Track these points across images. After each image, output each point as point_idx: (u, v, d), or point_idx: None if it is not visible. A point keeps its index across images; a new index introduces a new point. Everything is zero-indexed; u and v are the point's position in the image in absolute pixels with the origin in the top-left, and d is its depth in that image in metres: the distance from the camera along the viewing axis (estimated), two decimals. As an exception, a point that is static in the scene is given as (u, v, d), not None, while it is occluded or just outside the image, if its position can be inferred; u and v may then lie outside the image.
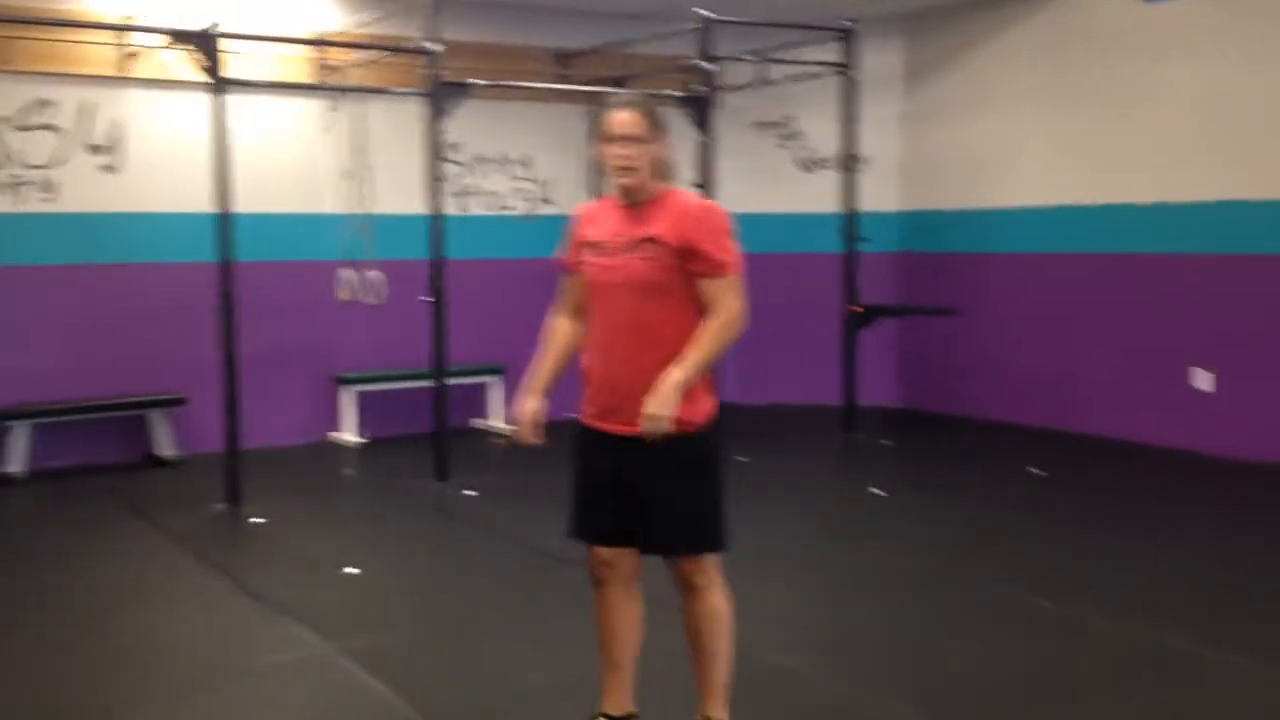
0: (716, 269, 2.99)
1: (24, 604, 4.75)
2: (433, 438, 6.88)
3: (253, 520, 5.98)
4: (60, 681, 3.89)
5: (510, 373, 8.49)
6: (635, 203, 3.08)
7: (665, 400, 2.93)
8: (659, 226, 3.01)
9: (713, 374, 3.13)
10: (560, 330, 3.30)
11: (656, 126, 3.06)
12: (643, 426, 2.95)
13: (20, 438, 6.96)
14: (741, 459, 7.11)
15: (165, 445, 7.41)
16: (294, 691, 3.82)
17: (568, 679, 3.76)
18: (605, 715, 3.27)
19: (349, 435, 8.05)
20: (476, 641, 4.24)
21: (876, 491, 6.47)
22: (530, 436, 3.23)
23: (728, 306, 3.00)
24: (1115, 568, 5.08)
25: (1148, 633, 4.21)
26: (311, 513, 6.24)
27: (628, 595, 3.23)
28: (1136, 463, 7.30)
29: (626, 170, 3.03)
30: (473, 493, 6.51)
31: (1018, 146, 8.49)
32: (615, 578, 3.21)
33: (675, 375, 2.94)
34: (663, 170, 3.10)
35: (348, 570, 5.04)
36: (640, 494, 3.08)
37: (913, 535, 5.63)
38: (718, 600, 3.16)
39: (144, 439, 7.46)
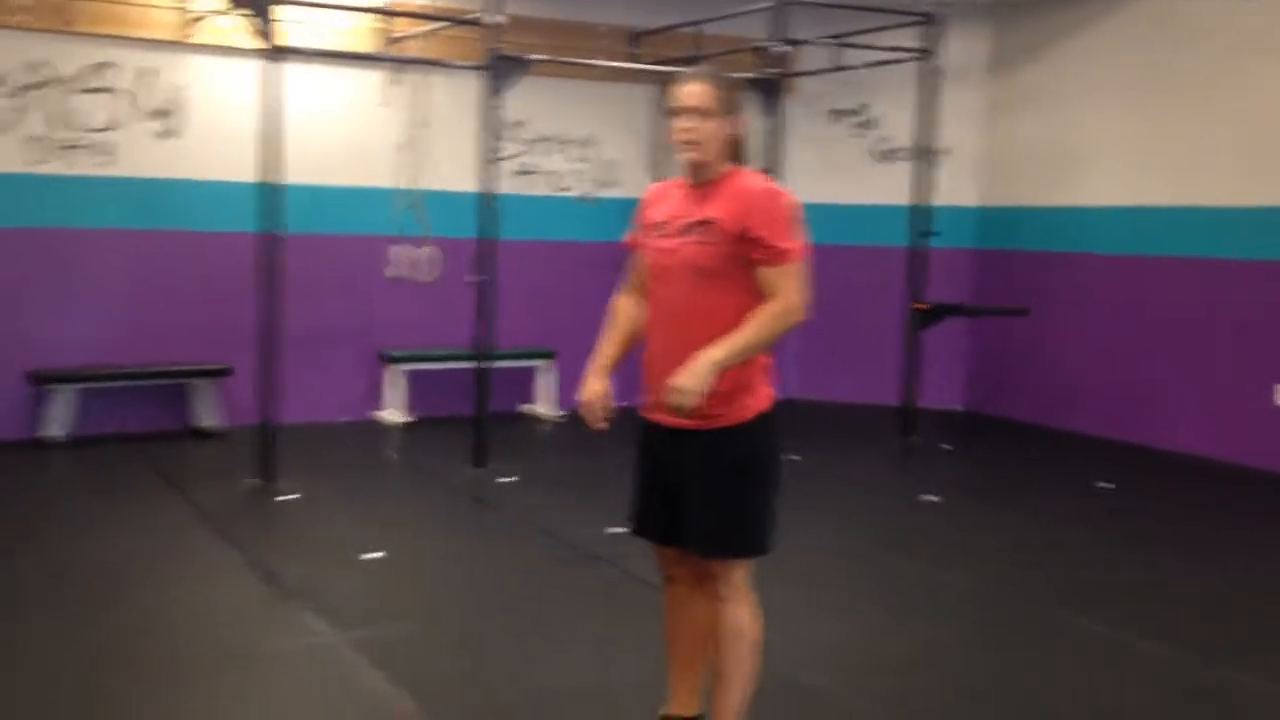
0: (775, 257, 2.77)
1: (43, 571, 4.68)
2: (473, 422, 6.71)
3: (283, 498, 5.86)
4: (64, 655, 3.80)
5: (562, 358, 8.32)
6: (700, 183, 2.88)
7: (695, 375, 2.71)
8: (718, 209, 2.80)
9: (770, 365, 2.91)
10: (624, 309, 3.10)
11: (728, 101, 2.85)
12: (667, 399, 2.74)
13: (63, 402, 6.94)
14: (793, 457, 6.84)
15: (207, 416, 7.35)
16: (292, 681, 3.67)
17: (584, 681, 3.57)
18: (669, 716, 3.12)
19: (394, 414, 7.93)
20: (492, 638, 4.05)
21: (930, 499, 6.16)
22: (596, 420, 3.00)
23: (786, 295, 2.78)
24: (1178, 593, 4.74)
25: (1207, 665, 3.89)
26: (343, 493, 6.11)
27: (692, 595, 3.04)
28: (1212, 481, 6.88)
29: (690, 145, 2.83)
30: (509, 479, 6.33)
31: (1102, 143, 8.06)
32: (681, 575, 3.05)
33: (713, 353, 2.73)
34: (733, 150, 2.89)
35: (369, 556, 4.89)
36: (681, 489, 2.90)
37: (962, 547, 5.33)
38: (741, 616, 2.94)
39: (187, 409, 7.41)
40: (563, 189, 8.61)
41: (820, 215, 9.16)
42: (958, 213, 8.67)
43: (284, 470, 6.15)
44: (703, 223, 2.81)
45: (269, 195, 6.01)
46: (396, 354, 7.95)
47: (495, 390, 7.06)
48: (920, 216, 7.84)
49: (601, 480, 6.43)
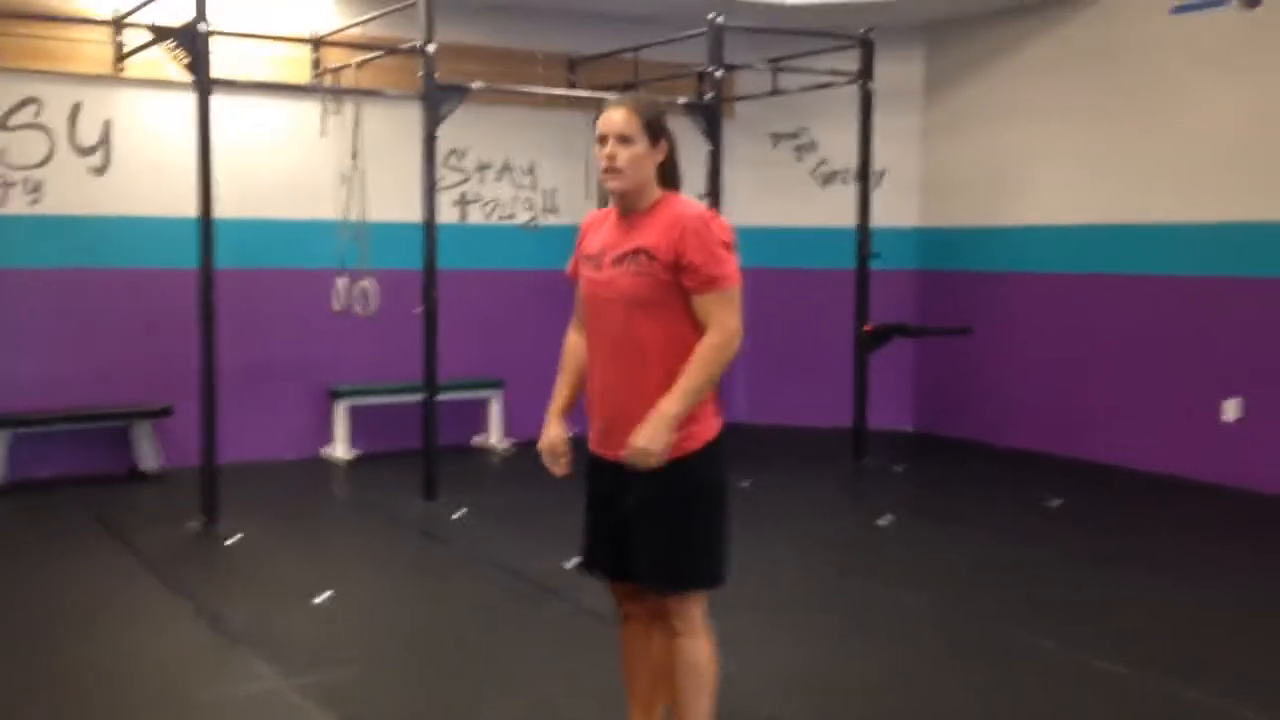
0: (708, 284, 2.73)
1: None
2: (423, 455, 6.61)
3: (228, 540, 5.72)
4: (1, 700, 3.66)
5: (511, 387, 8.24)
6: (631, 211, 2.83)
7: (655, 434, 2.69)
8: (651, 237, 2.76)
9: (717, 392, 2.87)
10: (572, 347, 3.06)
11: (653, 127, 2.80)
12: (627, 458, 2.71)
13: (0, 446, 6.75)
14: (744, 483, 6.82)
15: (149, 458, 7.17)
16: (238, 731, 3.56)
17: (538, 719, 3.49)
18: None
19: (342, 450, 7.80)
20: (444, 678, 3.96)
21: (883, 522, 6.15)
22: (557, 467, 2.96)
23: (722, 325, 2.74)
24: (1131, 608, 4.75)
25: (1162, 682, 3.89)
26: (290, 533, 5.98)
27: (648, 632, 2.98)
28: (1160, 495, 6.95)
29: (614, 172, 2.78)
30: (461, 513, 6.23)
31: (1041, 162, 8.17)
32: (636, 612, 2.99)
33: (667, 407, 2.70)
34: (663, 175, 2.84)
35: (318, 597, 4.77)
36: (630, 523, 2.84)
37: (919, 569, 5.32)
38: (697, 651, 2.88)
39: (127, 451, 7.23)
40: (505, 217, 8.56)
41: (764, 239, 9.27)
42: (898, 234, 8.74)
43: (229, 510, 6.01)
44: (635, 252, 2.77)
45: (204, 229, 5.89)
46: (343, 389, 7.83)
47: (445, 423, 6.97)
48: (863, 239, 7.87)
49: (554, 512, 6.32)
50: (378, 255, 7.37)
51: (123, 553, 5.51)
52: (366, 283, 7.27)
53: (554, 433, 2.97)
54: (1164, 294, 7.47)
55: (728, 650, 4.08)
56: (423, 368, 6.60)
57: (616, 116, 2.79)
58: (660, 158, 2.83)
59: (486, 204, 8.49)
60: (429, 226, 6.56)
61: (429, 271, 6.57)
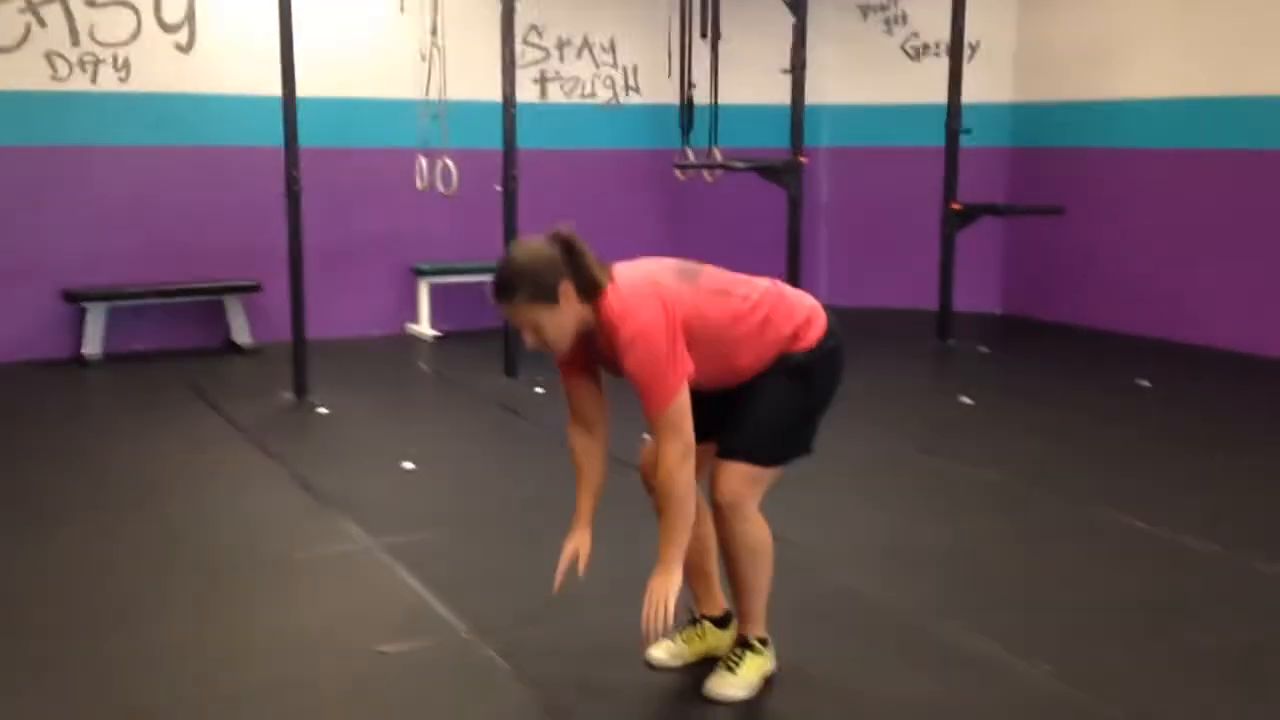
0: (649, 409, 2.66)
1: (83, 479, 4.75)
2: (505, 332, 6.68)
3: (318, 410, 5.88)
4: (100, 560, 3.85)
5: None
6: (589, 339, 2.75)
7: (662, 600, 2.65)
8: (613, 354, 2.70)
9: (815, 307, 2.85)
10: (581, 451, 2.96)
11: (540, 292, 2.60)
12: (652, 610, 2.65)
13: (97, 320, 6.97)
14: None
15: (242, 332, 7.37)
16: (328, 585, 3.69)
17: (615, 578, 3.55)
18: (701, 616, 3.11)
19: (425, 328, 7.91)
20: (523, 541, 4.06)
21: (966, 400, 6.08)
22: (570, 569, 2.90)
23: (664, 458, 2.64)
24: (1220, 488, 4.67)
25: (1245, 559, 3.83)
26: (376, 405, 6.12)
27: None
28: (1253, 377, 6.77)
29: (539, 348, 2.71)
30: (541, 390, 6.31)
31: (1141, 32, 7.79)
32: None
33: (669, 576, 2.66)
34: (585, 291, 2.65)
35: (403, 465, 4.90)
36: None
37: (1000, 448, 5.27)
38: (749, 529, 2.84)
39: (222, 325, 7.43)
40: (585, 96, 8.46)
41: (850, 116, 9.06)
42: (991, 110, 8.46)
43: (318, 383, 6.17)
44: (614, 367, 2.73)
45: (287, 108, 5.92)
46: (426, 267, 7.91)
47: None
48: (954, 115, 7.64)
49: (629, 390, 6.40)
50: (458, 134, 7.34)
51: (217, 421, 5.70)
52: (448, 161, 7.27)
53: (575, 544, 2.89)
54: (1267, 169, 7.16)
55: (807, 523, 4.13)
56: (503, 246, 6.62)
57: (509, 316, 2.67)
58: (570, 295, 2.62)
59: (566, 82, 8.40)
60: (508, 105, 6.52)
61: (508, 151, 6.55)
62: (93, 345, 6.95)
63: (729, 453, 2.81)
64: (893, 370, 7.02)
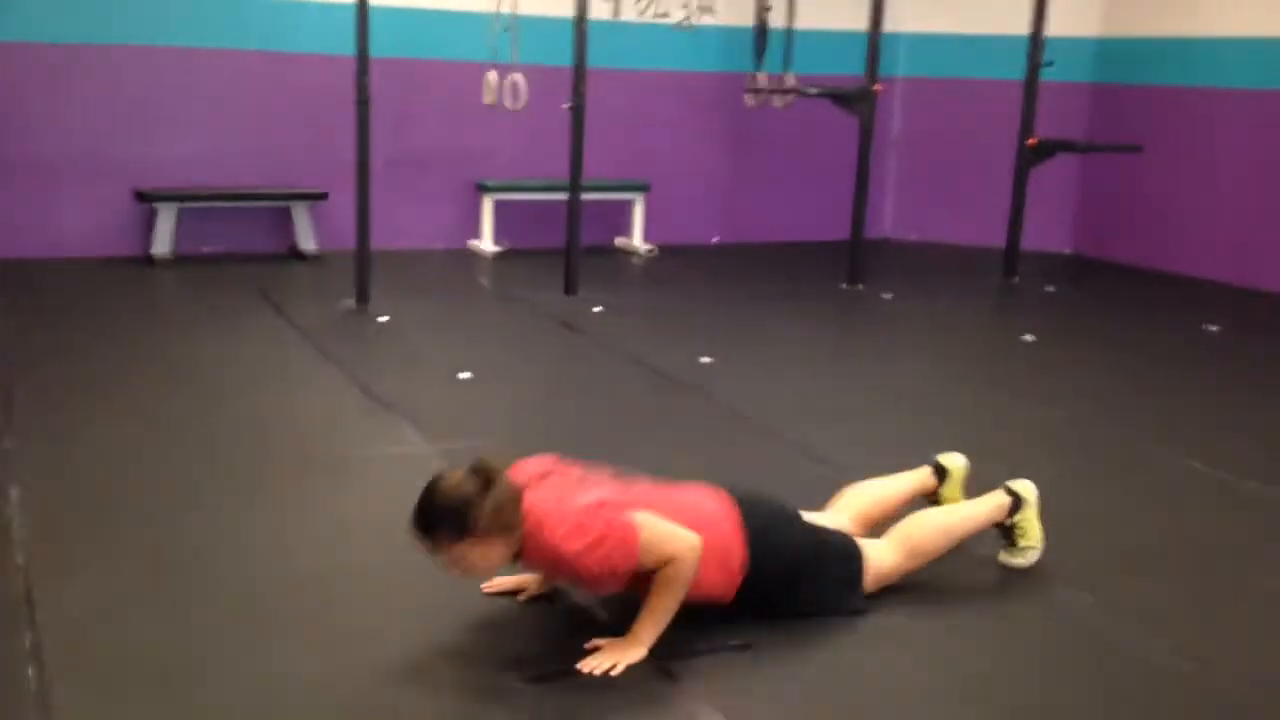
0: (635, 576, 2.63)
1: (151, 371, 4.88)
2: (565, 252, 6.69)
3: (379, 319, 5.95)
4: (171, 447, 3.95)
5: (655, 190, 8.21)
6: (521, 560, 2.68)
7: (625, 654, 2.60)
8: (550, 565, 2.67)
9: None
10: None
11: (461, 529, 2.53)
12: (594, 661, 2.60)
13: (166, 221, 7.08)
14: (885, 295, 6.71)
15: (307, 239, 7.45)
16: (383, 484, 3.75)
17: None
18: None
19: (487, 243, 7.94)
20: (578, 453, 4.08)
21: (1028, 338, 6.00)
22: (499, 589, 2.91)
23: (669, 562, 2.61)
24: (1279, 432, 4.58)
25: (1315, 510, 3.77)
26: (436, 317, 6.18)
27: None
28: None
29: (468, 577, 2.69)
30: (600, 309, 6.32)
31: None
32: None
33: (642, 633, 2.63)
34: (506, 527, 2.58)
35: (461, 375, 4.95)
36: None
37: (1062, 385, 5.20)
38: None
39: (288, 231, 7.51)
40: (659, 15, 8.33)
41: (929, 46, 8.85)
42: (1075, 44, 8.21)
43: (380, 293, 6.23)
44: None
45: (360, 16, 5.91)
46: (491, 184, 7.91)
47: (588, 223, 7.00)
48: (1034, 46, 7.43)
49: (690, 313, 6.40)
50: (528, 50, 7.29)
51: (282, 324, 5.79)
52: (517, 77, 7.23)
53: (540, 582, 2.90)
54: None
55: (861, 456, 4.12)
56: (569, 166, 6.60)
57: (434, 558, 2.62)
58: (494, 534, 2.56)
59: (640, 1, 8.27)
60: (580, 21, 6.46)
61: (579, 69, 6.50)
62: (162, 245, 7.08)
63: None
64: (954, 304, 6.94)
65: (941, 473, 3.37)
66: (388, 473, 3.85)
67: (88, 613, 2.79)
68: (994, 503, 3.18)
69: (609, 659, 2.59)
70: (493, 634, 2.77)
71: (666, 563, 2.62)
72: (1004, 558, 3.20)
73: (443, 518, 2.55)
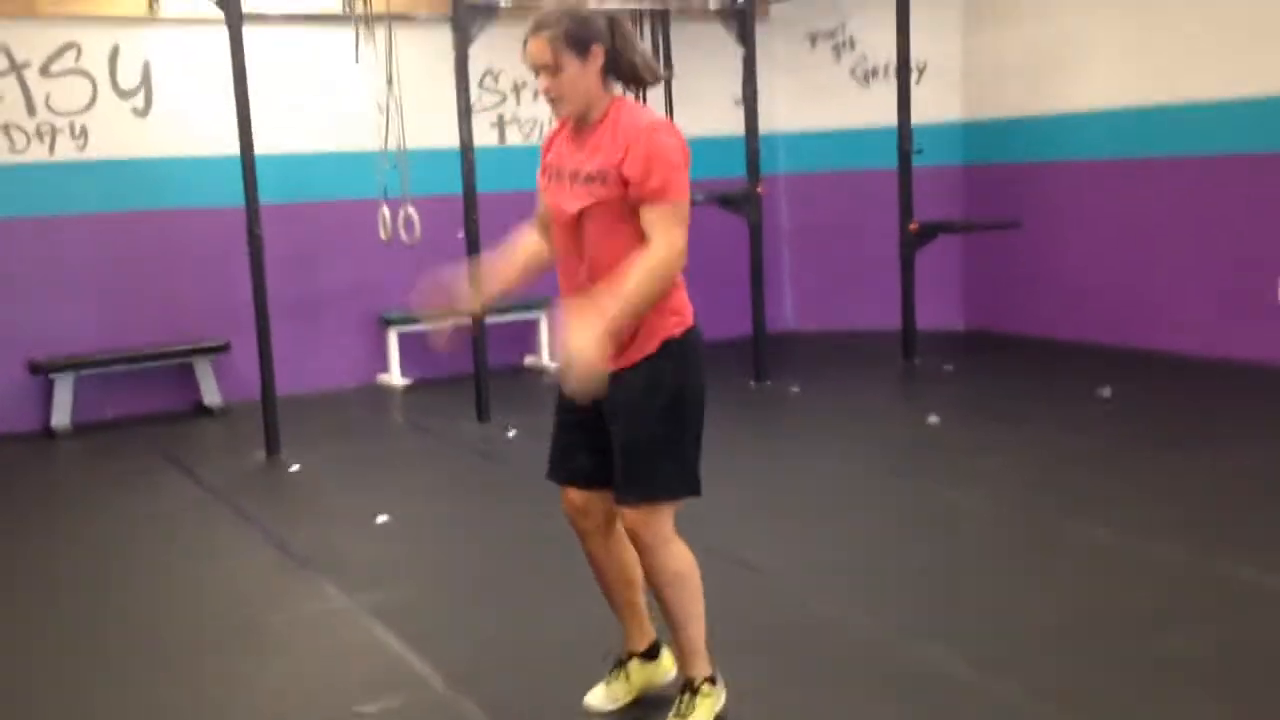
0: (652, 195, 2.65)
1: (56, 552, 4.76)
2: (475, 377, 6.72)
3: (290, 469, 5.89)
4: (80, 629, 3.86)
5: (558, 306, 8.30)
6: (583, 125, 2.78)
7: (587, 340, 2.53)
8: (603, 154, 2.70)
9: (676, 291, 2.79)
10: (525, 242, 3.10)
11: (575, 40, 2.66)
12: (563, 383, 2.63)
13: (64, 391, 6.95)
14: (793, 389, 6.85)
15: (212, 393, 7.37)
16: (307, 647, 3.71)
17: (591, 632, 3.59)
18: (629, 654, 3.11)
19: (396, 377, 7.94)
20: (503, 594, 4.08)
21: (933, 419, 6.16)
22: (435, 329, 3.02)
23: (665, 240, 2.65)
24: (1187, 493, 4.75)
25: (1221, 566, 3.90)
26: (350, 459, 6.13)
27: (606, 543, 2.98)
28: (1216, 380, 6.88)
29: (555, 101, 2.74)
30: (514, 432, 6.35)
31: (1086, 44, 7.93)
32: (589, 527, 2.97)
33: (607, 306, 2.58)
34: (616, 71, 2.75)
35: (378, 520, 4.91)
36: (594, 430, 2.85)
37: (971, 467, 5.34)
38: (671, 561, 2.83)
39: (191, 388, 7.43)
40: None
41: (804, 143, 9.17)
42: (941, 129, 8.58)
43: (290, 440, 6.18)
44: (591, 175, 2.71)
45: (246, 164, 5.96)
46: (394, 316, 7.94)
47: (496, 345, 7.06)
48: (904, 135, 7.75)
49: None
50: (419, 182, 7.38)
51: (190, 485, 5.70)
52: (410, 210, 7.31)
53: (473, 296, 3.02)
54: (1218, 174, 7.30)
55: (776, 548, 4.18)
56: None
57: (534, 49, 2.70)
58: (598, 63, 2.69)
59: (525, 124, 8.47)
60: (466, 151, 6.59)
61: (468, 196, 6.61)
62: (61, 416, 6.94)
63: (622, 500, 2.80)
64: (860, 391, 7.10)
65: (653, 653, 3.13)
66: (307, 633, 3.80)
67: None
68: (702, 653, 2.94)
69: (579, 371, 2.53)
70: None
71: (660, 247, 2.64)
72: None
73: (563, 20, 2.66)
